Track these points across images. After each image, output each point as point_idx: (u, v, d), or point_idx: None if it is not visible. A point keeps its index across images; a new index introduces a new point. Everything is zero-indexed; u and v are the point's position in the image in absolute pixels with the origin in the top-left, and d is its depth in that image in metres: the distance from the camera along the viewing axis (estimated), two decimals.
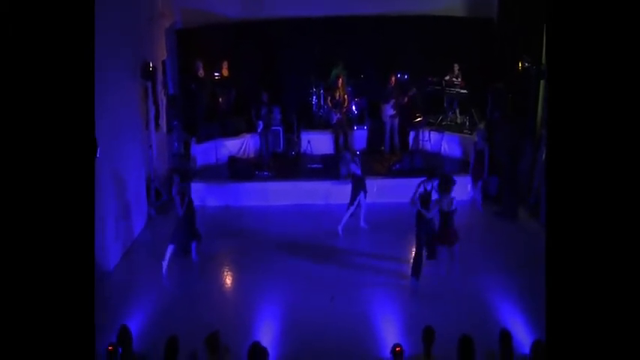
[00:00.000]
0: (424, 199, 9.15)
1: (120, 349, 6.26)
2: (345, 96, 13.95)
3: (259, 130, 13.49)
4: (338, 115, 13.96)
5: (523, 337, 7.56)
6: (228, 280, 10.02)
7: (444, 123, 14.47)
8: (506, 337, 6.24)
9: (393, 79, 13.81)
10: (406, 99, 13.84)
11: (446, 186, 8.86)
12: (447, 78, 14.24)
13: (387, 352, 6.47)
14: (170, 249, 9.85)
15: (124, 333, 6.38)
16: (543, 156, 11.54)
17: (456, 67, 14.13)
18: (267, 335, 7.93)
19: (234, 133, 14.21)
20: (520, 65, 12.17)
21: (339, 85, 13.87)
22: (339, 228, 11.11)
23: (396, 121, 14.02)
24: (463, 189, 11.71)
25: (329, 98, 14.10)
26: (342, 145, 14.03)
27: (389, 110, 13.88)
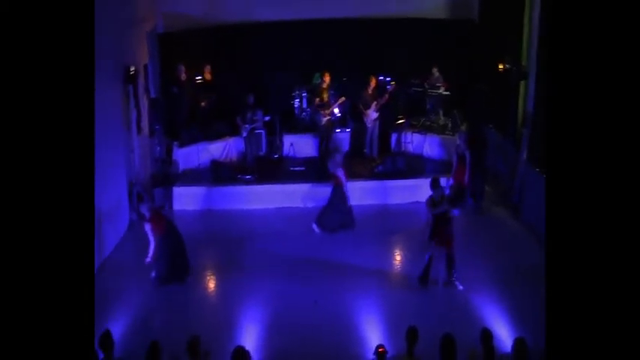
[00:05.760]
0: (437, 204, 9.17)
1: (101, 355, 6.20)
2: (328, 98, 13.92)
3: (245, 134, 13.44)
4: (325, 117, 13.85)
5: (505, 335, 7.61)
6: (211, 285, 9.96)
7: (427, 124, 14.48)
8: (487, 335, 6.27)
9: (373, 82, 13.72)
10: (387, 95, 13.75)
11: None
12: (429, 79, 14.26)
13: (371, 354, 6.47)
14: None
15: (106, 338, 6.30)
16: (524, 155, 11.62)
17: (435, 69, 14.16)
18: (250, 339, 7.90)
19: (217, 137, 14.13)
20: (501, 66, 12.24)
21: (325, 86, 13.80)
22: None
23: (377, 124, 13.97)
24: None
25: (317, 100, 13.96)
26: (324, 147, 13.96)
27: (373, 114, 13.80)
